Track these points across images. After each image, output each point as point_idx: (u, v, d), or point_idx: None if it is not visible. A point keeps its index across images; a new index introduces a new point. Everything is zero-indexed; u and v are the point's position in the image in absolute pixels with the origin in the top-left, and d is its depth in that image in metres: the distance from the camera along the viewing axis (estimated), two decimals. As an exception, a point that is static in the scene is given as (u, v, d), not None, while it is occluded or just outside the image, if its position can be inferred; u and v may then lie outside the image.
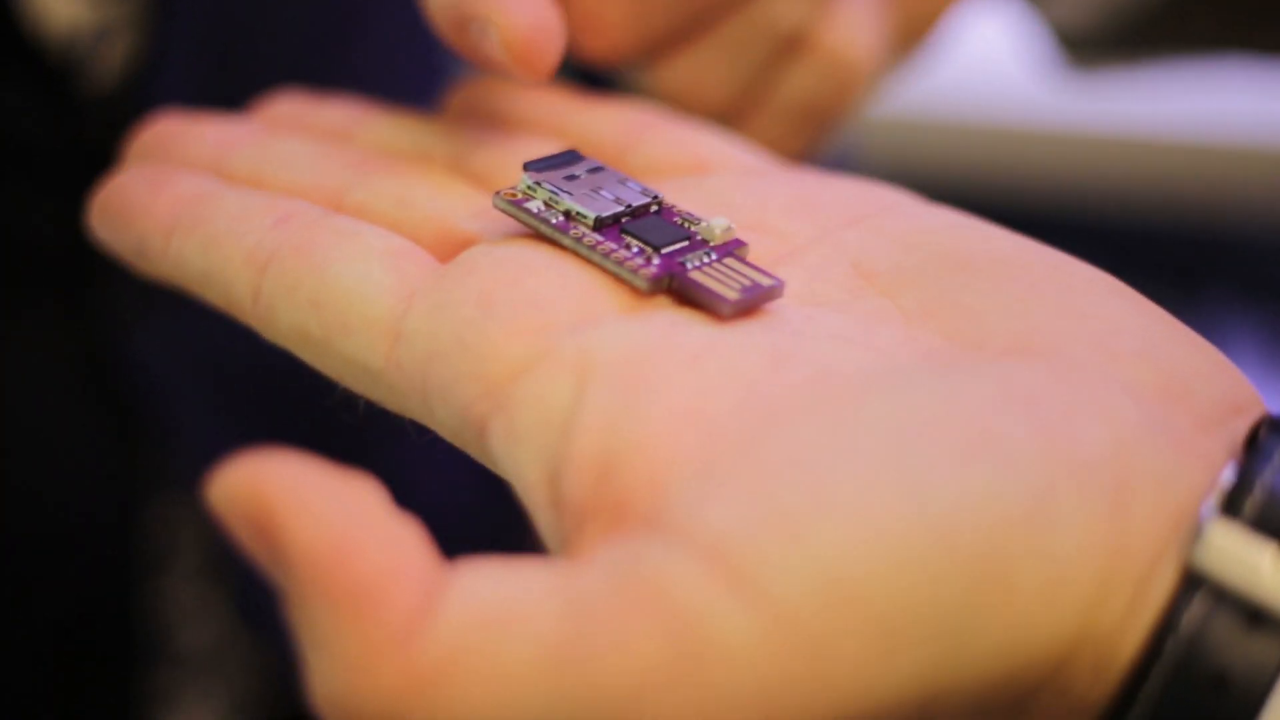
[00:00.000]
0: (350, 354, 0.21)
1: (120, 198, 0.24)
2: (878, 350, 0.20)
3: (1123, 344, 0.20)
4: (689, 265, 0.21)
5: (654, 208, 0.23)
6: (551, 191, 0.22)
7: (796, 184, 0.24)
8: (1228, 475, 0.18)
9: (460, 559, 0.18)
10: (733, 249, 0.22)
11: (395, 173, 0.24)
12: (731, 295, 0.21)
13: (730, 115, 0.31)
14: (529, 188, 0.22)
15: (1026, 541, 0.18)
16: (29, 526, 0.37)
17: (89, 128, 0.37)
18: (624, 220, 0.22)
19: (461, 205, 0.23)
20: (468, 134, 0.26)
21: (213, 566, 0.38)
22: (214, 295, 0.23)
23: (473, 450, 0.21)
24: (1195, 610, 0.18)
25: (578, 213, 0.22)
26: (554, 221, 0.22)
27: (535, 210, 0.22)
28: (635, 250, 0.22)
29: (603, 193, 0.22)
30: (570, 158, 0.23)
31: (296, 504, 0.17)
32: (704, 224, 0.22)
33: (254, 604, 0.37)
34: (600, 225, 0.22)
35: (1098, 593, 0.18)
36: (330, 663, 0.17)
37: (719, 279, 0.21)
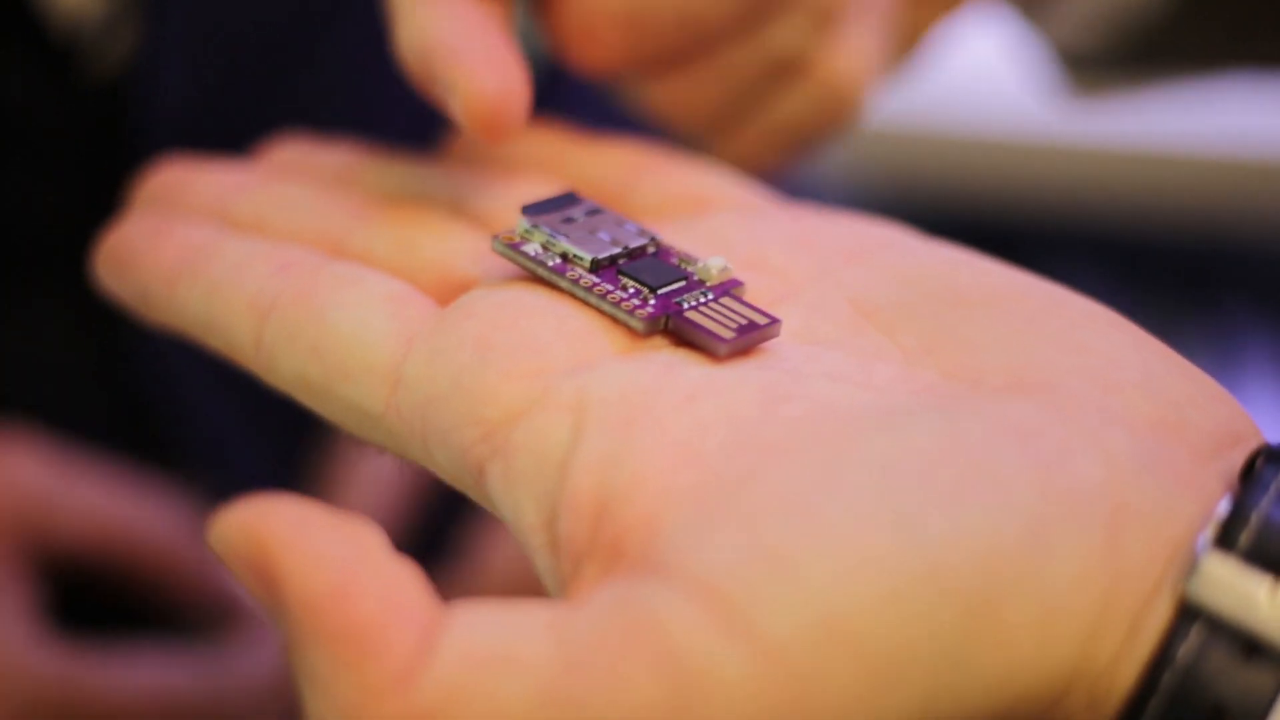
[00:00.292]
0: (351, 399, 0.22)
1: (124, 247, 0.24)
2: (875, 388, 0.20)
3: (1119, 377, 0.20)
4: (685, 305, 0.21)
5: (651, 249, 0.23)
6: (548, 234, 0.22)
7: (795, 222, 0.25)
8: (1223, 507, 0.18)
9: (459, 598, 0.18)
10: (730, 288, 0.22)
11: (396, 218, 0.24)
12: (727, 335, 0.21)
13: (715, 130, 0.31)
14: (526, 231, 0.22)
15: (1020, 577, 0.18)
16: None
17: (93, 113, 0.37)
18: (621, 261, 0.22)
19: (461, 249, 0.23)
20: (468, 177, 0.26)
21: None
22: (217, 342, 0.23)
23: (472, 493, 0.21)
24: (1191, 642, 0.18)
25: (574, 255, 0.22)
26: (551, 264, 0.22)
27: (532, 253, 0.22)
28: (632, 291, 0.22)
29: (600, 234, 0.23)
30: (568, 200, 0.23)
31: (294, 547, 0.17)
32: (701, 264, 0.22)
33: None
34: (597, 267, 0.22)
35: (1092, 627, 0.18)
36: (328, 705, 0.17)
37: (715, 319, 0.21)
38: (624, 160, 0.26)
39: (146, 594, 0.39)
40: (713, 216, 0.25)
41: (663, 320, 0.21)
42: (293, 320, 0.22)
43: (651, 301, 0.21)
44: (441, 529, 0.42)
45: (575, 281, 0.22)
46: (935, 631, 0.17)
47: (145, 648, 0.37)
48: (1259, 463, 0.19)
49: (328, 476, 0.42)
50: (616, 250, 0.22)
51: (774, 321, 0.21)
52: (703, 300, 0.22)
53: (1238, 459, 0.19)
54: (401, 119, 0.44)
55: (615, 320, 0.21)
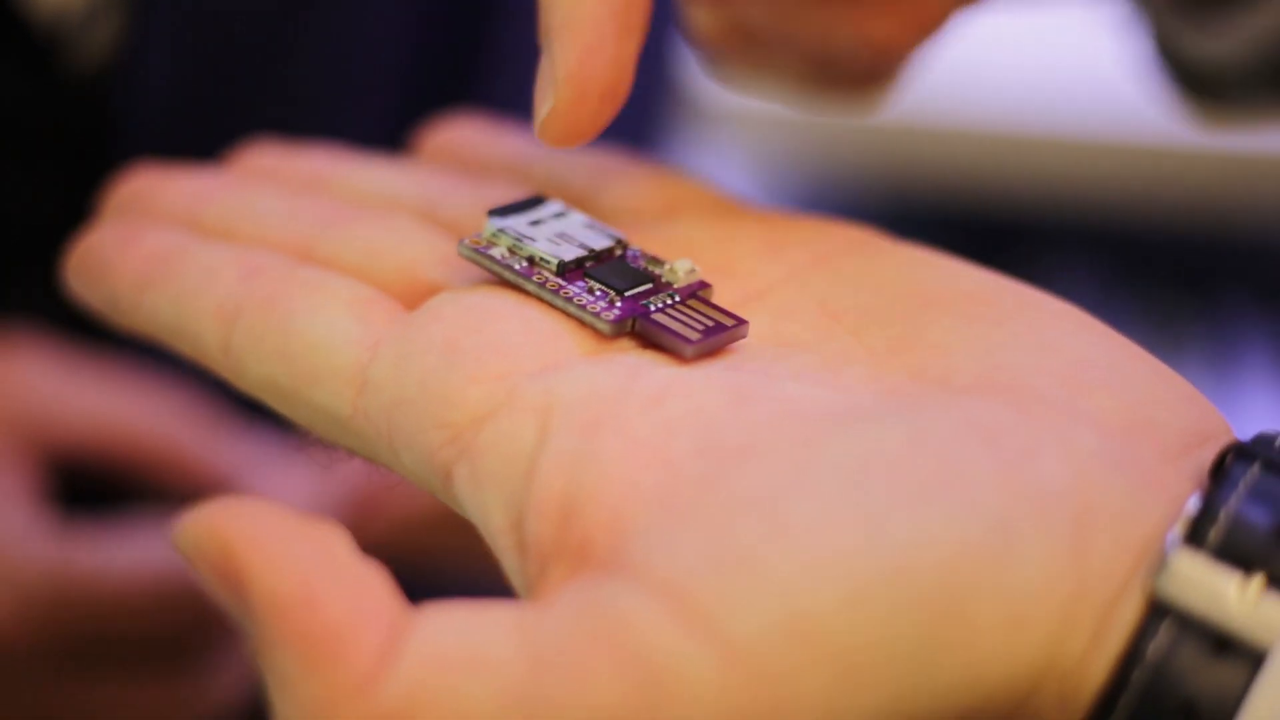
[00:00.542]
0: (318, 403, 0.21)
1: (93, 254, 0.24)
2: (843, 389, 0.20)
3: (1087, 377, 0.20)
4: (652, 308, 0.21)
5: (618, 251, 0.23)
6: (515, 237, 0.22)
7: (764, 224, 0.24)
8: (1193, 504, 0.18)
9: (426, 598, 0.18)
10: (696, 290, 0.22)
11: (364, 223, 0.24)
12: (694, 336, 0.21)
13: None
14: (493, 234, 0.22)
15: (986, 576, 0.17)
16: None
17: (76, 107, 0.37)
18: (588, 264, 0.22)
19: (429, 253, 0.23)
20: (438, 180, 0.26)
21: None
22: (185, 348, 0.23)
23: (440, 495, 0.21)
24: (1161, 639, 0.18)
25: (541, 258, 0.22)
26: (517, 268, 0.22)
27: (499, 257, 0.22)
28: (598, 294, 0.22)
29: (567, 237, 0.23)
30: (535, 202, 0.23)
31: (260, 550, 0.18)
32: (668, 266, 0.22)
33: None
34: (563, 270, 0.22)
35: (1060, 625, 0.18)
36: (295, 707, 0.17)
37: (681, 321, 0.21)
38: (593, 164, 0.26)
39: (149, 486, 0.39)
40: (681, 219, 0.25)
41: (629, 322, 0.21)
42: (259, 325, 0.22)
43: (618, 304, 0.21)
44: None
45: (542, 284, 0.22)
46: (902, 631, 0.17)
47: (139, 524, 0.37)
48: (1228, 460, 0.19)
49: None
50: (583, 253, 0.22)
51: (741, 323, 0.21)
52: (669, 302, 0.22)
53: (1207, 457, 0.19)
54: (386, 109, 0.44)
55: (582, 323, 0.21)
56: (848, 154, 0.88)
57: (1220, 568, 0.18)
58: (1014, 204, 0.89)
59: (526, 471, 0.19)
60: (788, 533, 0.17)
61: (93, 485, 0.39)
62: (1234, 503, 0.18)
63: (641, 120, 0.47)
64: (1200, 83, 0.40)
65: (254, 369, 0.22)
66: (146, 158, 0.39)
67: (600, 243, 0.23)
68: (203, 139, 0.41)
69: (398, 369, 0.21)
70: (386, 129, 0.44)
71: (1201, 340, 0.87)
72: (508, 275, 0.22)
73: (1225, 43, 0.38)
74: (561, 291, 0.21)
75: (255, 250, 0.23)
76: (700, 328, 0.21)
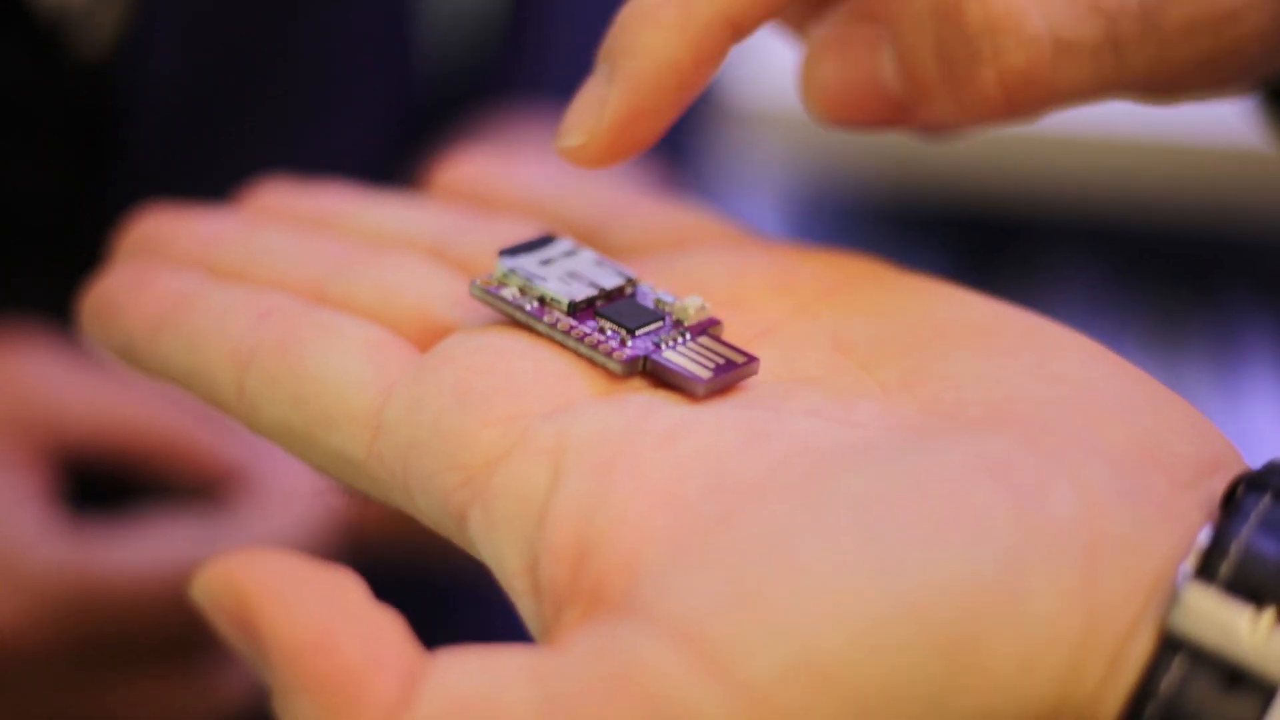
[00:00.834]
0: (332, 447, 0.21)
1: (107, 298, 0.24)
2: (855, 424, 0.20)
3: (1098, 406, 0.20)
4: (663, 346, 0.21)
5: (629, 289, 0.23)
6: (525, 278, 0.22)
7: (773, 258, 0.24)
8: (1204, 536, 0.18)
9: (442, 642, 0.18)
10: (707, 327, 0.22)
11: (377, 263, 0.24)
12: (705, 375, 0.21)
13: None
14: (504, 275, 0.22)
15: (998, 613, 0.17)
16: None
17: (81, 94, 0.37)
18: (599, 303, 0.22)
19: (442, 293, 0.23)
20: (449, 219, 0.26)
21: None
22: (199, 391, 0.23)
23: (455, 538, 0.21)
24: (1173, 674, 0.17)
25: (552, 298, 0.22)
26: (528, 308, 0.22)
27: (510, 297, 0.22)
28: (610, 334, 0.21)
29: (577, 276, 0.22)
30: (545, 241, 0.23)
31: (275, 599, 0.18)
32: (678, 304, 0.22)
33: None
34: (574, 309, 0.22)
35: (1073, 660, 0.18)
36: None
37: (693, 359, 0.21)
38: (603, 200, 0.26)
39: (157, 480, 0.39)
40: (691, 254, 0.25)
41: (640, 362, 0.21)
42: (273, 369, 0.22)
43: (629, 343, 0.21)
44: None
45: (553, 325, 0.21)
46: (914, 669, 0.17)
47: (151, 521, 0.37)
48: (1239, 490, 0.19)
49: None
50: (594, 292, 0.22)
51: (752, 360, 0.21)
52: (680, 341, 0.21)
53: (1218, 486, 0.19)
54: (391, 98, 0.44)
55: (593, 363, 0.21)
56: (851, 152, 0.88)
57: (1232, 601, 0.18)
58: (1016, 201, 0.89)
59: (540, 514, 0.19)
60: (799, 572, 0.17)
61: (100, 482, 0.39)
62: (1245, 535, 0.18)
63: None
64: None
65: (268, 413, 0.22)
66: (150, 144, 0.39)
67: (611, 281, 0.22)
68: (206, 125, 0.41)
69: (411, 412, 0.21)
70: (387, 111, 0.44)
71: (1203, 336, 0.87)
72: (519, 316, 0.22)
73: None
74: (573, 331, 0.21)
75: (268, 292, 0.23)
76: (712, 366, 0.21)
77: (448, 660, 0.18)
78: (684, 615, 0.17)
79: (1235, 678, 0.17)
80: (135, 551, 0.36)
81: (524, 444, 0.20)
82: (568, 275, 0.22)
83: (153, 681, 0.37)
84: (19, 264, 0.40)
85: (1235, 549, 0.18)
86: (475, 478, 0.20)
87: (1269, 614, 0.18)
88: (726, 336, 0.22)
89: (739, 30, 0.23)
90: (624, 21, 0.23)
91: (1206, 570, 0.18)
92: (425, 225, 0.26)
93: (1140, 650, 0.18)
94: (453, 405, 0.20)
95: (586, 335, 0.21)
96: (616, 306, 0.22)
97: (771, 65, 0.84)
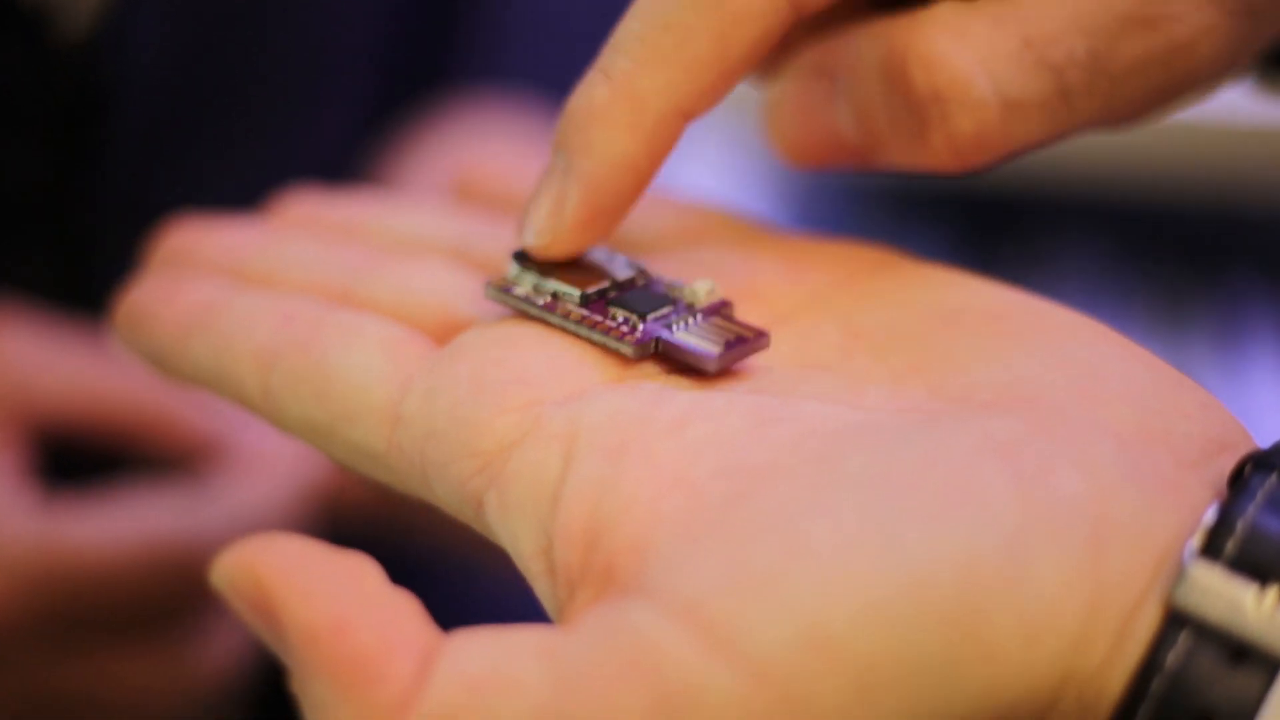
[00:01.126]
0: (354, 441, 0.22)
1: (138, 308, 0.25)
2: (864, 408, 0.20)
3: (1105, 388, 0.20)
4: (674, 327, 0.21)
5: (640, 280, 0.23)
6: (538, 276, 0.22)
7: (785, 248, 0.24)
8: (1210, 514, 0.18)
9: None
10: (718, 309, 0.22)
11: (397, 266, 0.24)
12: (716, 351, 0.21)
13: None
14: (517, 275, 0.23)
15: (1002, 590, 0.17)
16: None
17: (63, 77, 0.37)
18: (610, 295, 0.22)
19: (460, 293, 0.24)
20: (468, 222, 0.26)
21: None
22: (227, 394, 0.23)
23: (473, 524, 0.21)
24: (1179, 649, 0.17)
25: (564, 293, 0.22)
26: (541, 303, 0.22)
27: (523, 295, 0.22)
28: (621, 319, 0.22)
29: (589, 270, 0.23)
30: None
31: (292, 582, 0.18)
32: (688, 288, 0.22)
33: None
34: (586, 301, 0.22)
35: (1079, 637, 0.18)
36: None
37: (703, 337, 0.21)
38: None
39: (132, 451, 0.39)
40: (704, 246, 0.25)
41: (652, 344, 0.21)
42: (296, 369, 0.22)
43: (640, 327, 0.21)
44: None
45: (565, 316, 0.22)
46: (919, 645, 0.17)
47: (125, 493, 0.37)
48: (1247, 469, 0.19)
49: None
50: (605, 284, 0.22)
51: (762, 334, 0.21)
52: (691, 322, 0.22)
53: (1226, 466, 0.19)
54: (377, 80, 0.44)
55: (606, 349, 0.21)
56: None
57: (1237, 578, 0.18)
58: (1019, 181, 0.89)
59: (553, 498, 0.19)
60: (805, 551, 0.17)
61: (77, 455, 0.39)
62: (1251, 513, 0.18)
63: None
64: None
65: (293, 410, 0.22)
66: (133, 126, 0.38)
67: (622, 273, 0.23)
68: (191, 106, 0.41)
69: (428, 403, 0.21)
70: (373, 93, 0.44)
71: (1208, 316, 0.87)
72: (532, 311, 0.22)
73: None
74: (585, 320, 0.21)
75: (292, 297, 0.24)
76: (722, 342, 0.21)
77: (461, 641, 0.18)
78: (691, 595, 0.17)
79: (1240, 653, 0.17)
80: (108, 524, 0.36)
81: (537, 430, 0.20)
82: (579, 269, 0.23)
83: (131, 656, 0.36)
84: (6, 245, 0.40)
85: (1241, 526, 0.18)
86: (491, 464, 0.20)
87: (1274, 590, 0.18)
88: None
89: (691, 116, 0.23)
90: (575, 117, 0.22)
91: (1212, 547, 0.18)
92: (446, 228, 0.26)
93: (1146, 626, 0.18)
94: (468, 395, 0.21)
95: (599, 323, 0.21)
96: (628, 295, 0.22)
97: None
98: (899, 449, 0.19)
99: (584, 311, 0.22)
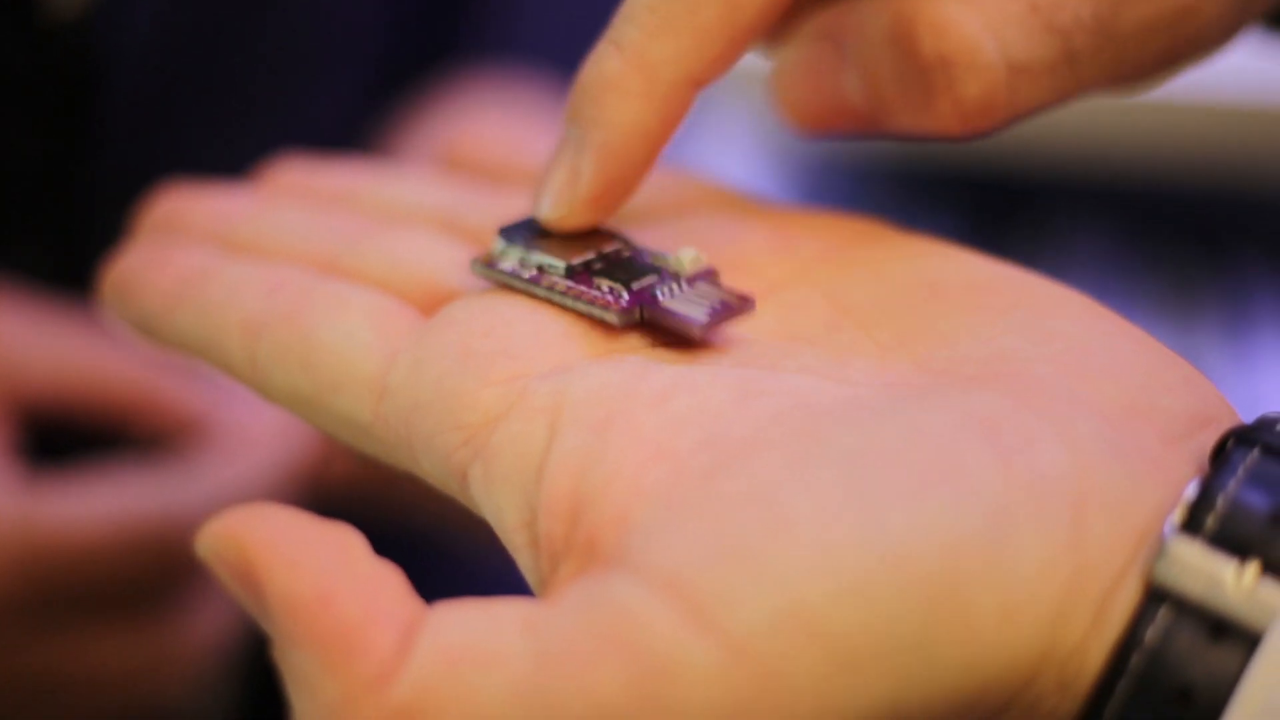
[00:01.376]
0: (340, 411, 0.22)
1: (127, 275, 0.25)
2: (849, 382, 0.20)
3: (1089, 363, 0.20)
4: (660, 295, 0.21)
5: (625, 252, 0.22)
6: (524, 249, 0.22)
7: (774, 220, 0.24)
8: (1191, 490, 0.18)
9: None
10: (703, 276, 0.22)
11: (386, 236, 0.24)
12: (702, 317, 0.20)
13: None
14: (503, 250, 0.22)
15: (983, 566, 0.17)
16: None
17: (56, 55, 0.37)
18: (596, 266, 0.22)
19: (448, 263, 0.23)
20: (459, 192, 0.26)
21: None
22: (214, 362, 0.23)
23: (458, 496, 0.21)
24: (1159, 625, 0.17)
25: (549, 265, 0.22)
26: (527, 276, 0.22)
27: (509, 269, 0.22)
28: (606, 289, 0.21)
29: (574, 242, 0.22)
30: None
31: (277, 553, 0.18)
32: (672, 257, 0.22)
33: None
34: (571, 273, 0.22)
35: (1058, 612, 0.17)
36: (313, 705, 0.17)
37: (689, 303, 0.21)
38: None
39: (116, 430, 0.39)
40: (691, 218, 0.25)
41: (638, 311, 0.21)
42: (283, 338, 0.22)
43: (625, 295, 0.21)
44: None
45: (551, 288, 0.21)
46: (899, 620, 0.17)
47: (106, 472, 0.36)
48: (1229, 444, 0.18)
49: None
50: (590, 256, 0.22)
51: (747, 299, 0.21)
52: (677, 289, 0.21)
53: (1208, 441, 0.19)
54: (369, 63, 0.44)
55: (591, 318, 0.21)
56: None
57: (1217, 553, 0.17)
58: (1027, 163, 0.88)
59: (537, 471, 0.19)
60: (786, 525, 0.17)
61: (61, 434, 0.38)
62: (1233, 488, 0.18)
63: None
64: None
65: (279, 380, 0.22)
66: (126, 105, 0.38)
67: (606, 245, 0.22)
68: (186, 85, 0.40)
69: (414, 374, 0.21)
70: (375, 70, 0.44)
71: (1216, 298, 0.87)
72: (518, 284, 0.22)
73: None
74: (570, 291, 0.21)
75: (280, 266, 0.23)
76: (707, 307, 0.21)
77: (444, 614, 0.18)
78: (672, 568, 0.17)
79: (1220, 628, 0.17)
80: (89, 502, 0.35)
81: (522, 403, 0.20)
82: (564, 242, 0.22)
83: (114, 635, 0.36)
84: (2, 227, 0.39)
85: (1222, 502, 0.18)
86: (476, 436, 0.20)
87: (1254, 566, 0.17)
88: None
89: (702, 84, 0.22)
90: (588, 88, 0.22)
91: (1193, 523, 0.18)
92: (436, 198, 0.26)
93: (1126, 602, 0.18)
94: (454, 367, 0.21)
95: (584, 293, 0.21)
96: (612, 266, 0.22)
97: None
98: (882, 424, 0.18)
99: (569, 282, 0.22)
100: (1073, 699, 0.18)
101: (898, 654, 0.17)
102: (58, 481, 0.36)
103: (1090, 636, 0.18)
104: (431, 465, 0.21)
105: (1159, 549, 0.18)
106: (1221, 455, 0.19)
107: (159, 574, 0.36)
